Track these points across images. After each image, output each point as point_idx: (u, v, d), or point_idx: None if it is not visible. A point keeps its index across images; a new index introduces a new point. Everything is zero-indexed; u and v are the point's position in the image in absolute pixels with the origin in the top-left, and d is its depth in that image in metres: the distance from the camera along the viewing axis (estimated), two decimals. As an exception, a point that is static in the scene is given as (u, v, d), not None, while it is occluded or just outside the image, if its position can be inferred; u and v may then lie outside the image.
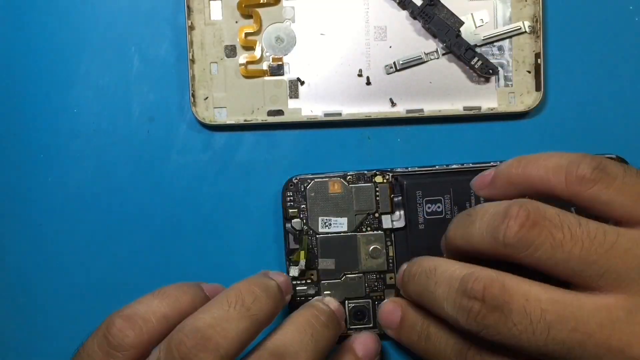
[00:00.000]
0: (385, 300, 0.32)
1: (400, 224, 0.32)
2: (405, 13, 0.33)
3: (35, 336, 0.34)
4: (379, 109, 0.33)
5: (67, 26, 0.33)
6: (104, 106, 0.33)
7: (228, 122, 0.33)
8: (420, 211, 0.32)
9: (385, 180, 0.33)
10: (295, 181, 0.33)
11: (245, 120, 0.33)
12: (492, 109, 0.33)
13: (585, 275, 0.23)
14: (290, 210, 0.33)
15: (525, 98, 0.33)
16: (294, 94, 0.33)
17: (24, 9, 0.33)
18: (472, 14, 0.33)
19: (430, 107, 0.33)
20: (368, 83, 0.33)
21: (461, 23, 0.33)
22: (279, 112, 0.33)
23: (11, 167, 0.33)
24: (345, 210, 0.32)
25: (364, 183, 0.33)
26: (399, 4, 0.33)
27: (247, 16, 0.33)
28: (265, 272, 0.30)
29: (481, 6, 0.33)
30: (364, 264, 0.33)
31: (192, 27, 0.33)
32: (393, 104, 0.33)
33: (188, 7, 0.33)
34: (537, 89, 0.33)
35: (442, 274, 0.26)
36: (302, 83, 0.33)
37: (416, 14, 0.33)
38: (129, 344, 0.25)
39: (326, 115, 0.33)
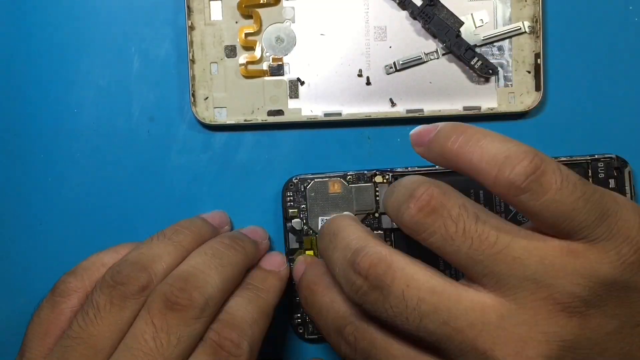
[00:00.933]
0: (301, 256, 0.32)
1: (400, 223, 0.32)
2: (405, 13, 0.33)
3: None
4: (379, 109, 0.33)
5: (67, 26, 0.33)
6: (104, 106, 0.33)
7: (228, 122, 0.33)
8: (420, 211, 0.32)
9: (385, 180, 0.33)
10: (295, 181, 0.33)
11: (245, 120, 0.33)
12: (492, 109, 0.33)
13: (471, 271, 0.24)
14: (290, 210, 0.33)
15: (525, 98, 0.33)
16: (294, 94, 0.33)
17: (24, 9, 0.33)
18: (472, 14, 0.33)
19: (430, 107, 0.33)
20: (368, 83, 0.33)
21: (461, 23, 0.33)
22: (279, 112, 0.33)
23: (12, 166, 0.33)
24: (345, 210, 0.32)
25: (364, 183, 0.33)
26: (399, 4, 0.33)
27: (247, 16, 0.33)
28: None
29: (481, 6, 0.33)
30: (364, 263, 0.33)
31: (192, 27, 0.33)
32: (393, 104, 0.33)
33: (188, 7, 0.33)
34: (537, 89, 0.33)
35: (341, 240, 0.27)
36: (302, 83, 0.33)
37: (416, 14, 0.33)
38: (71, 289, 0.28)
39: (326, 115, 0.33)
